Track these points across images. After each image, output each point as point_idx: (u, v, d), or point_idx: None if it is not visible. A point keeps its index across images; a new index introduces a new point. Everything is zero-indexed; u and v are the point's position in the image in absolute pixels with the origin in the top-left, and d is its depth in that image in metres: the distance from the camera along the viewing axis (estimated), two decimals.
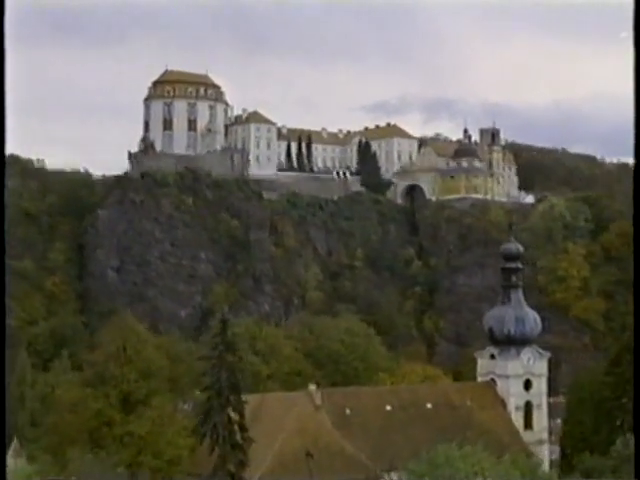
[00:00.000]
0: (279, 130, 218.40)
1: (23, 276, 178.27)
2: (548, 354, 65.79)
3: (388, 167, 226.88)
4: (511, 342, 65.50)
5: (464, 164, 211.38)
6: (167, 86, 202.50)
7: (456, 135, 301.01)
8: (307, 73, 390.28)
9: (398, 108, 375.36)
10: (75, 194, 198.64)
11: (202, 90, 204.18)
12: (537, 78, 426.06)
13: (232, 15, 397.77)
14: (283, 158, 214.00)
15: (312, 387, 65.69)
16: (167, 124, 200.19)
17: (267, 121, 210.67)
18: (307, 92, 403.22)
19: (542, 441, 72.56)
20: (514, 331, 64.89)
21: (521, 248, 63.40)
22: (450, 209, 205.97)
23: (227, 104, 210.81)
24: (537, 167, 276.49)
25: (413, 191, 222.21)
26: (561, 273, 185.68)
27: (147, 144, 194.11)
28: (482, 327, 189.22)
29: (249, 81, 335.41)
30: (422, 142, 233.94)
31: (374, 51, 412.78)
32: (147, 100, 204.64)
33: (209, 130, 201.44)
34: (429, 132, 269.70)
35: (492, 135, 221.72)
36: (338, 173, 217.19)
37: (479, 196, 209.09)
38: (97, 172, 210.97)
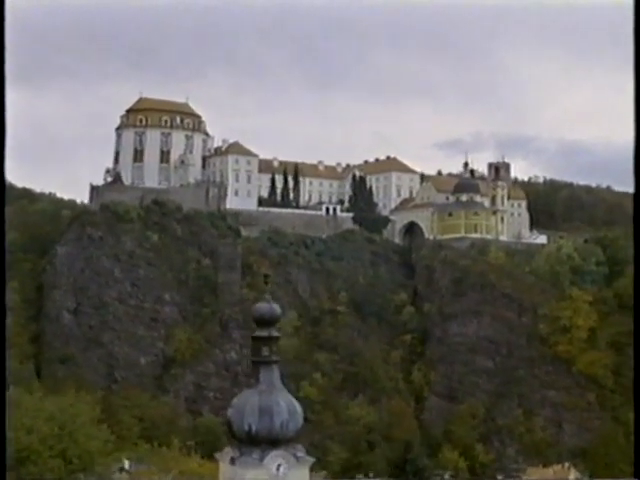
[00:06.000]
0: (270, 163, 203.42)
1: None
2: (311, 459, 45.21)
3: (386, 203, 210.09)
4: (254, 442, 45.18)
5: (464, 200, 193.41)
6: (140, 114, 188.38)
7: (528, 174, 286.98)
8: (378, 110, 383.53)
9: (472, 145, 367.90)
10: (40, 229, 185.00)
11: (178, 119, 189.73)
12: (616, 116, 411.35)
13: (300, 49, 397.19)
14: (269, 193, 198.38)
15: None
16: (138, 155, 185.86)
17: (248, 152, 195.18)
18: (380, 129, 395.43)
19: None
20: (257, 427, 44.65)
21: (278, 309, 43.98)
22: (447, 249, 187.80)
23: (207, 134, 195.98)
24: (575, 205, 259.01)
25: (412, 229, 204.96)
26: (565, 322, 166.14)
27: (114, 176, 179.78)
28: (476, 381, 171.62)
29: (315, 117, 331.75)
30: (424, 177, 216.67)
31: (448, 88, 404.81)
32: (119, 129, 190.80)
33: (182, 162, 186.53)
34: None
35: (496, 169, 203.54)
36: (328, 209, 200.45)
37: (478, 235, 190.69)
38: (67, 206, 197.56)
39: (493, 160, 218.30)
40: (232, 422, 43.17)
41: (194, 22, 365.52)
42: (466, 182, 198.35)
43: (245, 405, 43.26)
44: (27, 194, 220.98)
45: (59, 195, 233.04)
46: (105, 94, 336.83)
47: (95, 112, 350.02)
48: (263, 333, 42.81)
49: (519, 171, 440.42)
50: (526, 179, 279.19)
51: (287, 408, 42.78)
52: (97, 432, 75.13)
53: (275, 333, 42.75)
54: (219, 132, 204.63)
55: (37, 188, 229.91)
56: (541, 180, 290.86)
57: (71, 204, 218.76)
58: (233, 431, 42.55)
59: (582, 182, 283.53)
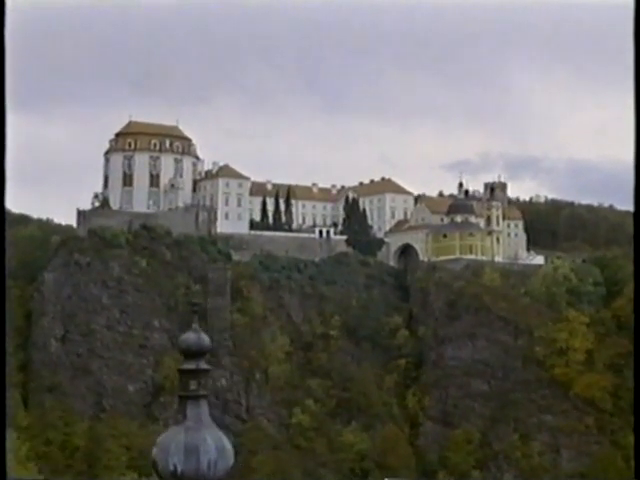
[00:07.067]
0: (262, 186, 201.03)
1: None
2: None
3: (380, 225, 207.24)
4: None
5: (458, 221, 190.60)
6: (129, 138, 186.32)
7: (536, 193, 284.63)
8: (384, 132, 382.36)
9: (480, 166, 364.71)
10: (29, 255, 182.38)
11: (167, 143, 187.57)
12: (623, 133, 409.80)
13: (304, 71, 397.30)
14: (261, 216, 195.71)
15: None
16: (127, 179, 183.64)
17: (239, 175, 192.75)
18: (386, 151, 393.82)
19: None
20: (183, 467, 41.25)
21: (207, 340, 40.74)
22: (441, 271, 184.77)
23: (197, 157, 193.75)
24: (577, 225, 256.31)
25: (407, 252, 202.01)
26: (561, 345, 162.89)
27: (101, 201, 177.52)
28: (472, 406, 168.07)
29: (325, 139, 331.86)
30: (418, 198, 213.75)
31: (455, 109, 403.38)
32: (107, 153, 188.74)
33: (172, 186, 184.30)
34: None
35: (491, 189, 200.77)
36: (321, 232, 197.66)
37: (473, 257, 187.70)
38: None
39: (497, 180, 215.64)
40: (157, 462, 40.11)
41: (199, 45, 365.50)
42: (460, 203, 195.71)
43: (170, 443, 39.97)
44: (23, 220, 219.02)
45: (57, 221, 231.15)
46: (106, 117, 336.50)
47: (96, 135, 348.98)
48: (190, 366, 39.96)
49: (526, 191, 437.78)
50: (527, 199, 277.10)
51: (215, 446, 39.47)
52: (24, 471, 71.13)
53: (204, 366, 39.82)
54: (218, 156, 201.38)
55: (36, 214, 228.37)
56: (542, 200, 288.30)
57: (67, 229, 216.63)
58: (158, 472, 39.58)
59: (588, 201, 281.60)
